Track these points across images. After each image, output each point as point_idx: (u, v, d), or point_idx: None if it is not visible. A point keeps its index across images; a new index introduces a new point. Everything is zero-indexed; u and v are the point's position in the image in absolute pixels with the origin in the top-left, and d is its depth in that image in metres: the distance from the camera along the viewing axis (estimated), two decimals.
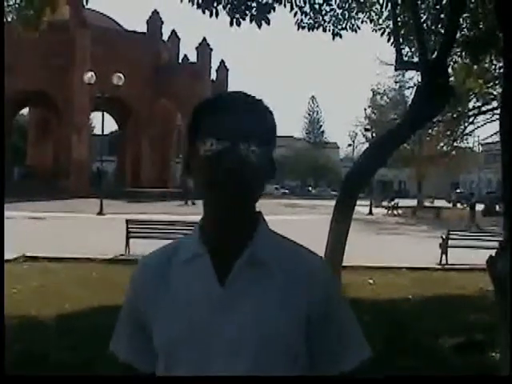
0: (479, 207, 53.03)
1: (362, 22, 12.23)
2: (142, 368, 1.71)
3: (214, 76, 63.47)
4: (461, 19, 11.20)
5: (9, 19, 12.84)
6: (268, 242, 1.63)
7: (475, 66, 16.17)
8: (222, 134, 1.52)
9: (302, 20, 11.58)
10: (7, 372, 3.13)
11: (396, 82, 57.11)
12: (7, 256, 14.95)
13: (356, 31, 12.18)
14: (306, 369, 1.61)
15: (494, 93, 29.76)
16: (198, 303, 1.58)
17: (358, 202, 12.78)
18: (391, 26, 11.93)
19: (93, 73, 39.33)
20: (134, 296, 1.71)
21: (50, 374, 4.89)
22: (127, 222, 17.21)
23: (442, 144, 52.42)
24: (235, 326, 1.54)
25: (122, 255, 16.29)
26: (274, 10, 10.82)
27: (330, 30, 11.82)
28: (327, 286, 1.65)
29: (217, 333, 1.54)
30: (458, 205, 66.15)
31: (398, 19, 11.81)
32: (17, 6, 12.33)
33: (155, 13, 61.49)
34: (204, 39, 63.00)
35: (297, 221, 33.68)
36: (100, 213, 33.70)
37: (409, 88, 53.01)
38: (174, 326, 1.58)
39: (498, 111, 32.57)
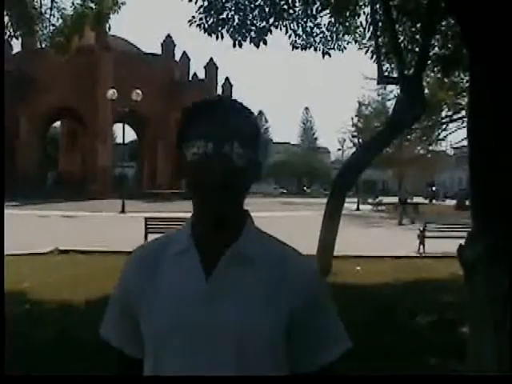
0: (451, 202, 53.00)
1: (348, 42, 12.27)
2: (132, 354, 1.60)
3: (220, 91, 63.44)
4: (433, 40, 11.23)
5: (43, 46, 12.90)
6: (253, 240, 1.53)
7: (446, 80, 16.18)
8: (207, 137, 1.43)
9: (295, 41, 11.62)
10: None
11: (378, 95, 56.90)
12: (43, 249, 15.05)
13: (343, 51, 12.22)
14: (286, 363, 1.51)
15: (463, 103, 29.69)
16: (185, 298, 1.47)
17: (347, 200, 12.80)
18: (373, 45, 11.96)
19: (115, 90, 39.31)
20: (124, 285, 1.59)
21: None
22: (146, 219, 17.21)
23: (419, 148, 52.27)
24: (218, 318, 1.44)
25: None
26: (271, 33, 10.88)
27: (320, 50, 11.85)
28: (313, 284, 1.55)
29: (201, 327, 1.44)
30: (434, 201, 66.30)
31: (379, 40, 11.85)
32: (50, 33, 12.38)
33: (168, 37, 61.46)
34: (211, 59, 63.06)
35: (293, 217, 33.68)
36: (122, 212, 33.70)
37: (390, 99, 52.85)
38: (162, 319, 1.47)
39: (467, 119, 32.66)
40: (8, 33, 11.95)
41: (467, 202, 43.65)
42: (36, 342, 6.88)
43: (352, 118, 57.52)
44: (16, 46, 49.91)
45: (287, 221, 28.33)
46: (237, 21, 10.60)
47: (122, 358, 1.63)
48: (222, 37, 10.59)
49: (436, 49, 12.09)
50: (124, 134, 42.89)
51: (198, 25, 10.53)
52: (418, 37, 11.82)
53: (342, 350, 1.56)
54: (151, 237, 16.27)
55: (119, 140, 63.92)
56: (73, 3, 12.44)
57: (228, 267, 1.48)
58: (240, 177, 1.45)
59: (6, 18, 11.69)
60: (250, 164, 1.47)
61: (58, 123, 67.44)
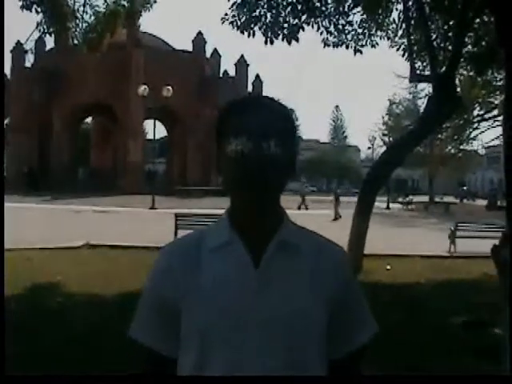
0: (483, 202, 52.44)
1: (381, 38, 12.24)
2: (165, 353, 1.59)
3: (250, 88, 63.44)
4: (466, 37, 11.13)
5: (75, 42, 13.03)
6: (295, 230, 1.59)
7: (479, 78, 16.02)
8: (245, 134, 1.46)
9: (327, 38, 11.62)
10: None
11: (410, 93, 56.78)
12: (75, 244, 15.20)
13: (375, 47, 12.18)
14: (325, 346, 1.56)
15: (496, 102, 29.44)
16: (234, 286, 1.50)
17: (377, 198, 12.71)
18: (406, 43, 11.91)
19: (146, 86, 39.52)
20: (160, 283, 1.58)
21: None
22: (176, 215, 17.27)
23: (450, 147, 51.99)
24: (270, 305, 1.48)
25: None
26: (303, 30, 10.87)
27: (351, 47, 11.83)
28: (349, 272, 1.63)
29: (253, 313, 1.48)
30: (465, 200, 65.65)
31: (412, 37, 11.78)
32: (82, 31, 12.50)
33: (199, 34, 61.60)
34: (242, 56, 63.09)
35: (324, 215, 33.60)
36: (152, 207, 33.82)
37: (421, 98, 52.80)
38: (211, 310, 1.49)
39: (499, 118, 32.31)
40: (42, 29, 12.10)
41: (498, 202, 43.26)
42: (68, 334, 6.95)
43: (383, 117, 57.44)
44: (49, 42, 50.52)
45: (318, 218, 28.26)
46: (269, 18, 10.62)
47: (152, 357, 1.62)
48: (254, 34, 10.62)
49: (469, 46, 11.98)
50: (155, 130, 43.20)
51: (230, 22, 10.58)
52: (450, 34, 11.72)
53: (373, 332, 1.65)
54: (181, 233, 16.36)
55: (150, 136, 64.27)
56: (105, 1, 12.59)
57: (275, 253, 1.52)
58: (278, 172, 1.48)
59: (40, 16, 11.85)
60: (286, 161, 1.50)
61: (89, 119, 68.13)
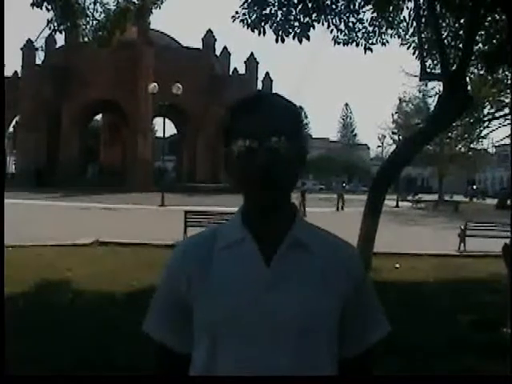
0: (493, 201, 52.22)
1: (391, 36, 12.21)
2: (177, 348, 1.60)
3: (260, 86, 63.40)
4: (477, 35, 11.09)
5: (85, 40, 13.06)
6: (307, 228, 1.58)
7: (489, 77, 15.96)
8: (251, 133, 1.46)
9: (337, 36, 11.60)
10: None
11: (420, 91, 56.54)
12: (84, 241, 15.24)
13: (385, 45, 12.15)
14: (337, 346, 1.56)
15: (506, 100, 29.27)
16: (245, 284, 1.49)
17: (386, 197, 12.68)
18: (416, 41, 11.88)
19: (156, 84, 39.60)
20: (174, 279, 1.58)
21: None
22: (186, 212, 17.27)
23: (460, 145, 51.83)
24: (280, 303, 1.47)
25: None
26: (314, 28, 10.87)
27: (362, 45, 11.82)
28: (361, 271, 1.61)
29: (263, 311, 1.46)
30: (474, 199, 65.41)
31: (423, 35, 11.75)
32: (93, 28, 12.53)
33: (209, 31, 61.70)
34: (251, 54, 63.07)
35: (333, 212, 33.58)
36: (162, 205, 33.85)
37: (431, 96, 52.58)
38: (221, 307, 1.49)
39: (510, 117, 32.12)
40: (52, 27, 12.14)
41: (508, 202, 43.05)
42: (80, 330, 6.97)
43: (392, 115, 57.28)
44: (60, 40, 50.69)
45: (328, 217, 28.24)
46: (280, 16, 10.63)
47: (164, 353, 1.63)
48: (265, 32, 10.63)
49: (480, 45, 11.95)
50: (164, 127, 43.25)
51: (241, 20, 10.59)
52: (461, 32, 11.69)
53: (385, 331, 1.64)
54: (191, 230, 16.39)
55: (159, 133, 64.35)
56: None
57: (287, 252, 1.51)
58: (285, 170, 1.48)
59: (51, 13, 11.89)
60: (294, 156, 1.50)
61: (99, 116, 68.30)
